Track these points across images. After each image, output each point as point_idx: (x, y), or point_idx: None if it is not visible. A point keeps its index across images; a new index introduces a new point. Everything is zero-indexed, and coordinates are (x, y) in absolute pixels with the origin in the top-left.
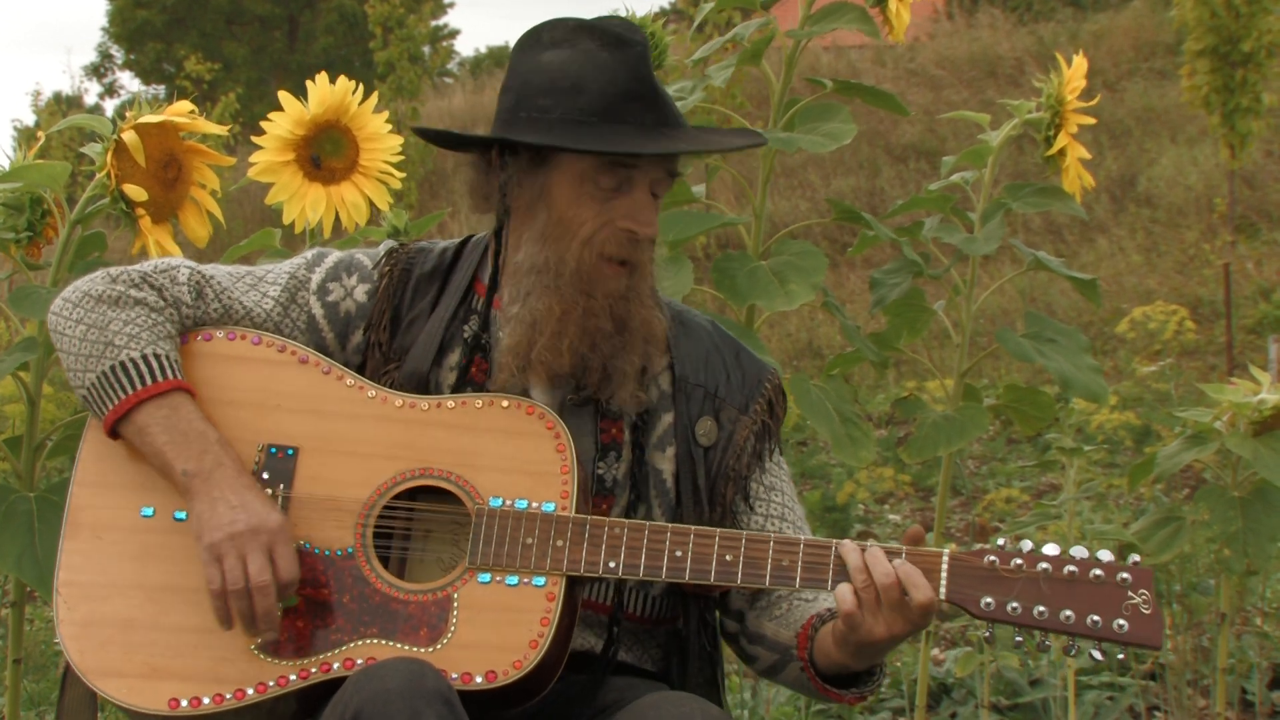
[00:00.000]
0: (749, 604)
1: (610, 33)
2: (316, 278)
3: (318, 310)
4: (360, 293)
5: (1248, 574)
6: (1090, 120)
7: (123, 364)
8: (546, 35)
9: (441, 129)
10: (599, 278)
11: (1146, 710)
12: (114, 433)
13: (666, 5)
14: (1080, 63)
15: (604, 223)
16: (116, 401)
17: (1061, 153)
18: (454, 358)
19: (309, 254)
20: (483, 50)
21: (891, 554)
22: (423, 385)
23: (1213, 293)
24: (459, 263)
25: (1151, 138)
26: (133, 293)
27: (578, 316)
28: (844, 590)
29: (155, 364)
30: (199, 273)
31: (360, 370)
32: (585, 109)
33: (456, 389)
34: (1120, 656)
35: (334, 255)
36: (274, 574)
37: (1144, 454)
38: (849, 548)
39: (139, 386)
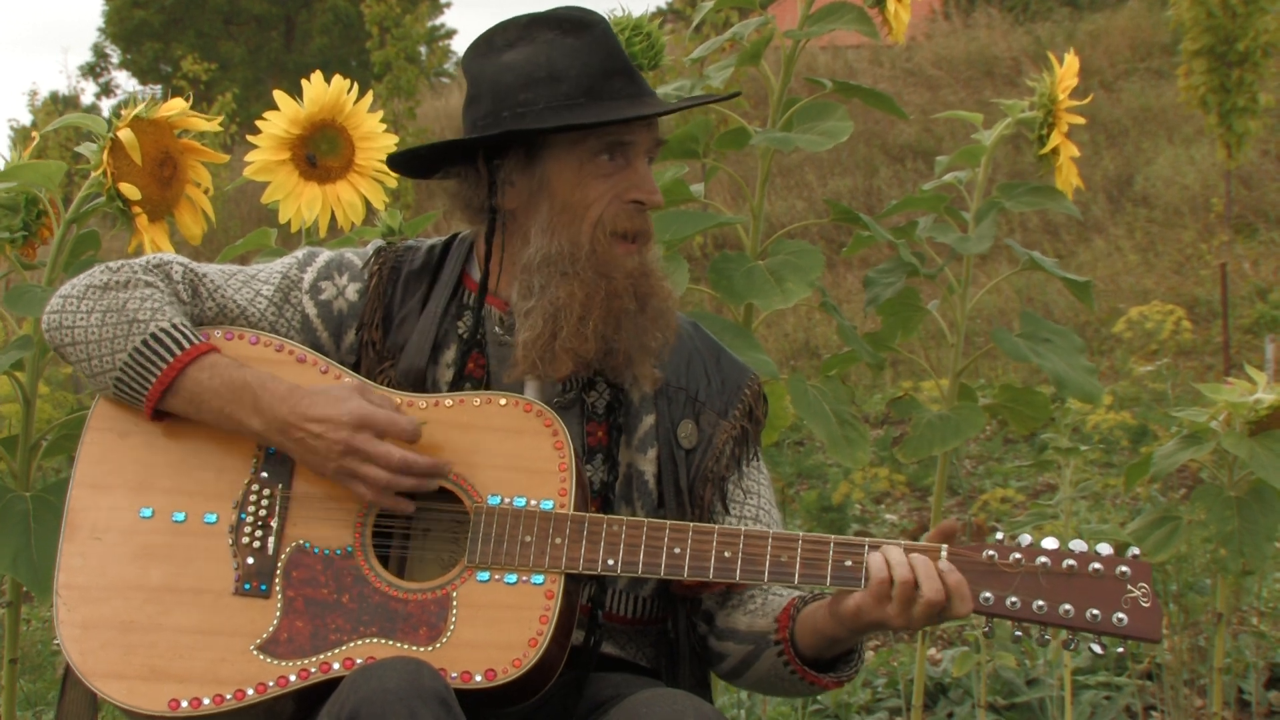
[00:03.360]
0: (719, 604)
1: (569, 19)
2: (309, 277)
3: (311, 310)
4: (352, 291)
5: (1244, 574)
6: (1082, 120)
7: (154, 335)
8: (500, 38)
9: (417, 147)
10: (613, 258)
11: (1143, 710)
12: (157, 411)
13: (664, 4)
14: (1072, 61)
15: (612, 199)
16: (159, 373)
17: (1055, 151)
18: (449, 355)
19: (299, 253)
20: None
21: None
22: (419, 383)
23: (1209, 292)
24: (447, 259)
25: (1148, 137)
26: (140, 276)
27: (601, 299)
28: (878, 562)
29: (186, 330)
30: (192, 270)
31: (355, 369)
32: (570, 94)
33: (453, 386)
34: (1120, 650)
35: (325, 254)
36: (397, 443)
37: (1140, 454)
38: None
39: (177, 353)
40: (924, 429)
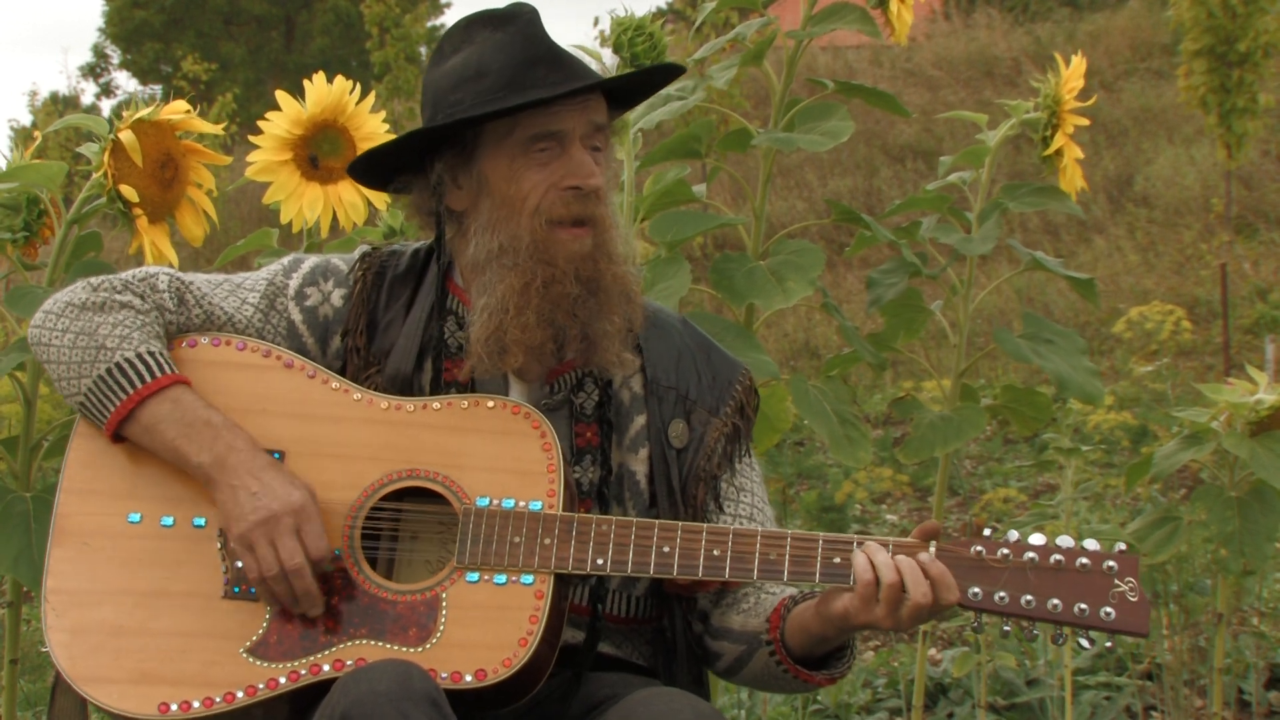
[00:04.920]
0: (713, 603)
1: (497, 14)
2: (294, 284)
3: (297, 316)
4: (337, 297)
5: (1245, 574)
6: (1086, 121)
7: (119, 365)
8: (448, 45)
9: (358, 156)
10: (556, 244)
11: (1143, 710)
12: (117, 435)
13: (664, 5)
14: (1078, 63)
15: (547, 188)
16: (118, 403)
17: (1059, 153)
18: (434, 359)
19: (285, 260)
20: None
21: (878, 545)
22: (406, 387)
23: (1209, 293)
24: (431, 264)
25: (1148, 138)
26: (117, 297)
27: (539, 286)
28: (862, 564)
29: (152, 361)
30: (179, 279)
31: (341, 375)
32: (492, 88)
33: (439, 390)
34: (1109, 644)
35: (310, 260)
36: (305, 553)
37: (1141, 454)
38: (874, 548)
39: (139, 385)
40: (925, 429)
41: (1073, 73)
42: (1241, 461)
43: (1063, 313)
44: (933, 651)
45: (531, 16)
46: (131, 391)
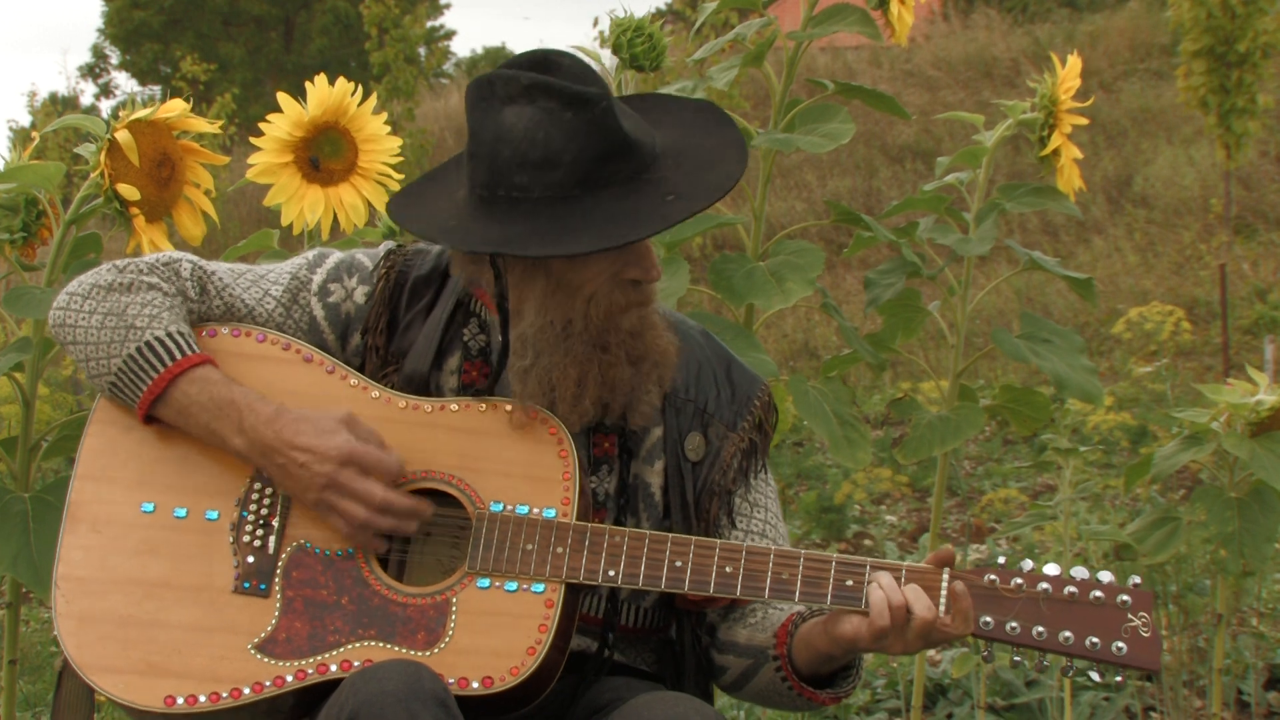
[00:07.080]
0: (721, 617)
1: (569, 93)
2: (318, 278)
3: (319, 311)
4: (360, 294)
5: (1244, 575)
6: (1084, 120)
7: (149, 344)
8: (501, 88)
9: (427, 232)
10: (610, 327)
11: (1143, 710)
12: (149, 417)
13: (664, 6)
14: (1074, 63)
15: (609, 276)
16: (149, 381)
17: (1056, 153)
18: (454, 361)
19: (310, 254)
20: (479, 51)
21: (890, 571)
22: (423, 387)
23: (1209, 293)
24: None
25: (1147, 138)
26: (144, 278)
27: (595, 373)
28: (880, 602)
29: (182, 340)
30: (201, 268)
31: (360, 371)
32: (563, 183)
33: (456, 393)
34: (1119, 679)
35: (335, 256)
36: (379, 480)
37: (1140, 454)
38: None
39: (169, 363)
40: (924, 429)
41: (1069, 72)
42: (1241, 462)
43: (1062, 313)
44: (932, 652)
45: (609, 104)
46: (162, 369)
